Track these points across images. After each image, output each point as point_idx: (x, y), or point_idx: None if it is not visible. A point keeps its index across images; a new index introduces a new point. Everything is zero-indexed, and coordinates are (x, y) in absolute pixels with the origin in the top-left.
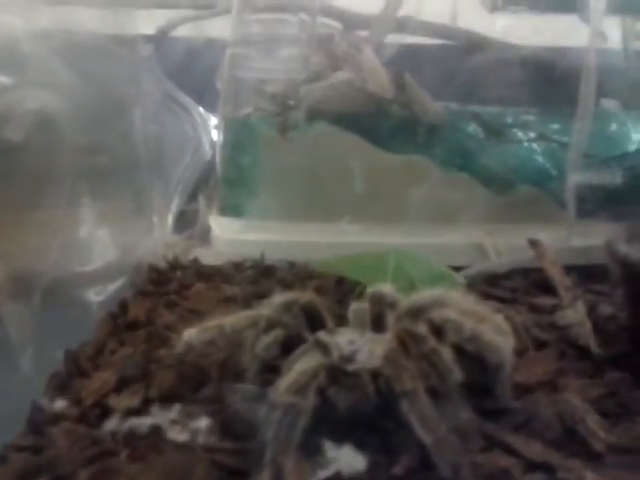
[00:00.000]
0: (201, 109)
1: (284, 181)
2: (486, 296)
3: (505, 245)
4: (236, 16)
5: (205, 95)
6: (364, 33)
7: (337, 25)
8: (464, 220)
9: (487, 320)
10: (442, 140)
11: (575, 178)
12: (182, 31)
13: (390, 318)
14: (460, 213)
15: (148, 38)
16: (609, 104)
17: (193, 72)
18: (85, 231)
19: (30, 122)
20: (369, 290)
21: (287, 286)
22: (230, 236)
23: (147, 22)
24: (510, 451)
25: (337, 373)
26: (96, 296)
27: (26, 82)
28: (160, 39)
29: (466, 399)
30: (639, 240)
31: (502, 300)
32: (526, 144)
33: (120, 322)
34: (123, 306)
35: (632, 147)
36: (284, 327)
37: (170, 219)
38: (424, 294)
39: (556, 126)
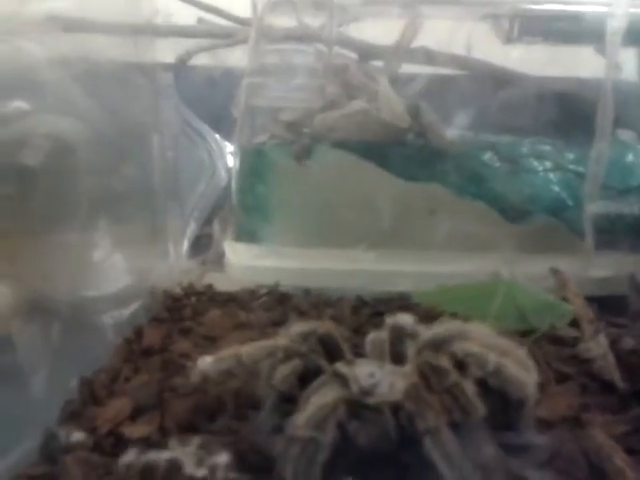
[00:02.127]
0: (217, 136)
1: (299, 208)
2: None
3: (522, 275)
4: (253, 46)
5: (222, 123)
6: (379, 63)
7: (352, 55)
8: (480, 249)
9: (510, 354)
10: (458, 168)
11: (593, 208)
12: (200, 60)
13: (410, 350)
14: (476, 242)
15: (167, 66)
16: (626, 135)
17: (210, 100)
18: (100, 256)
19: (47, 147)
20: (388, 320)
21: (302, 314)
22: (245, 262)
23: (166, 51)
24: None
25: (357, 407)
26: (111, 321)
27: (44, 108)
28: (179, 68)
29: (489, 434)
30: None
31: (522, 333)
32: (542, 174)
33: (135, 348)
34: (138, 332)
35: None
36: (302, 358)
37: (185, 244)
38: (445, 326)
39: (572, 156)
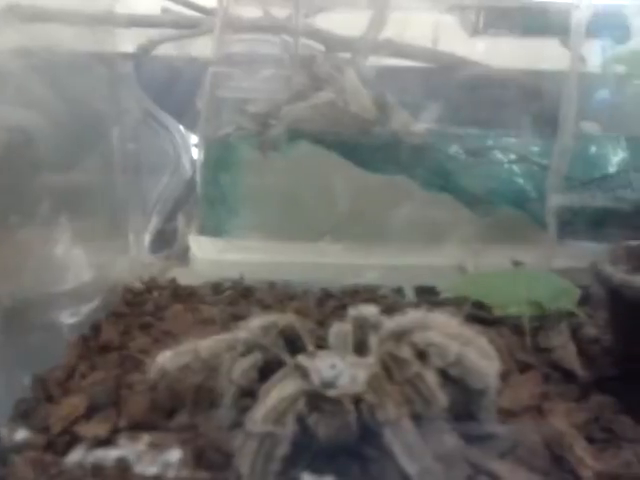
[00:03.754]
0: (181, 127)
1: (265, 201)
2: (469, 318)
3: (487, 266)
4: (218, 35)
5: (186, 114)
6: (346, 55)
7: (319, 47)
8: (446, 240)
9: (472, 343)
10: (424, 161)
11: (555, 200)
12: (164, 50)
13: (373, 340)
14: (442, 233)
15: (129, 56)
16: (589, 127)
17: (174, 91)
18: (59, 251)
19: (5, 139)
20: (351, 311)
21: (266, 307)
22: (210, 256)
23: (130, 41)
24: (496, 479)
25: (317, 399)
26: (68, 318)
27: (2, 99)
28: (141, 58)
29: (450, 424)
30: (623, 262)
31: (485, 322)
32: (507, 166)
33: (92, 345)
34: (96, 328)
35: (611, 169)
36: (262, 351)
37: (148, 238)
38: (408, 316)
39: (536, 148)
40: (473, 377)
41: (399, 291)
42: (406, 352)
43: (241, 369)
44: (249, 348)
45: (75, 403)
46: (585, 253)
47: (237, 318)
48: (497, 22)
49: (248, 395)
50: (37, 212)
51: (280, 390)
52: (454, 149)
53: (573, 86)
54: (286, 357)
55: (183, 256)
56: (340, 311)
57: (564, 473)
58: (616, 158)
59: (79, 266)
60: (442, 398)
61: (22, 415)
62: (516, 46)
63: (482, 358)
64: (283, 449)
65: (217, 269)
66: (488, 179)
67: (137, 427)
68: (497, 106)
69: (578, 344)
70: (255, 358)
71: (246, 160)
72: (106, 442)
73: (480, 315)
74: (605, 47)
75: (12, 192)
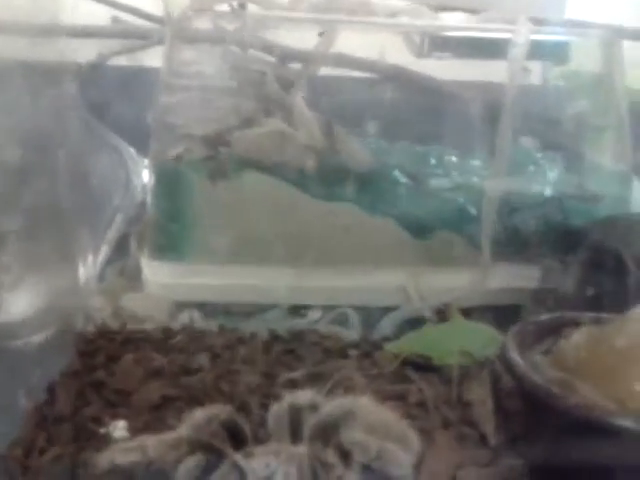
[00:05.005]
0: (132, 150)
1: (217, 226)
2: (406, 363)
3: (427, 287)
4: (166, 64)
5: (137, 128)
6: (297, 66)
7: (270, 58)
8: (389, 264)
9: (392, 432)
10: (369, 188)
11: (489, 224)
12: (112, 62)
13: (307, 426)
14: (385, 257)
15: (74, 71)
16: (528, 142)
17: (124, 105)
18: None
19: None
20: (287, 397)
21: (216, 356)
22: (163, 280)
23: (76, 53)
24: None
25: None
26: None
27: None
28: (88, 73)
29: None
30: (534, 342)
31: (420, 368)
32: (446, 192)
33: (47, 413)
34: (51, 392)
35: (546, 191)
36: (205, 449)
37: (99, 263)
38: (333, 406)
39: (478, 163)
40: (392, 467)
41: (344, 319)
42: (331, 455)
43: (185, 469)
44: (193, 448)
45: None
46: (518, 274)
47: (186, 372)
48: (441, 46)
49: None
50: None
51: None
52: (396, 176)
53: (510, 100)
54: (227, 450)
55: (135, 280)
56: (286, 357)
57: None
58: (552, 178)
59: (27, 295)
60: None
61: None
62: (461, 68)
63: (401, 447)
64: None
65: (170, 293)
66: (428, 203)
67: None
68: (439, 119)
69: (497, 396)
70: (198, 458)
71: (196, 186)
72: None
73: (416, 361)
74: (546, 66)
75: None
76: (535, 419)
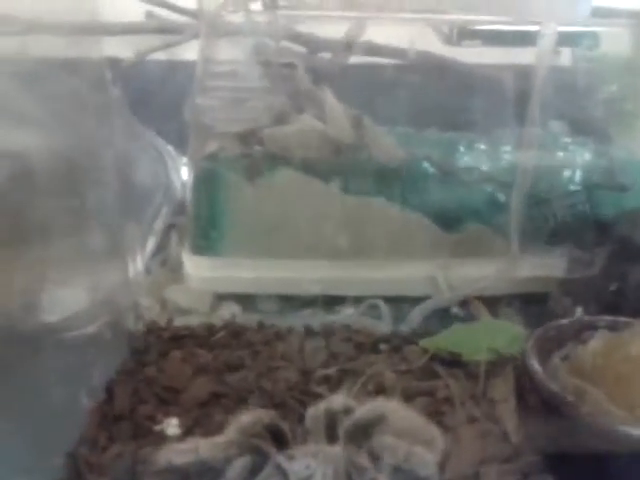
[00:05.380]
0: (170, 148)
1: (252, 222)
2: (433, 358)
3: (456, 278)
4: (201, 65)
5: (173, 129)
6: (327, 55)
7: (301, 49)
8: (418, 256)
9: (419, 436)
10: (399, 182)
11: (518, 216)
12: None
13: (341, 428)
14: (415, 250)
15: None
16: (557, 127)
17: (161, 100)
18: (58, 275)
19: (7, 168)
20: (321, 405)
21: (256, 353)
22: (202, 274)
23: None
24: None
25: None
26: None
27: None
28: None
29: None
30: (555, 347)
31: (446, 363)
32: (474, 185)
33: (107, 412)
34: (109, 392)
35: (574, 180)
36: (251, 451)
37: (144, 259)
38: (367, 409)
39: (507, 148)
40: (419, 468)
41: (375, 311)
42: (364, 458)
43: (234, 469)
44: (240, 449)
45: None
46: (545, 264)
47: (230, 368)
48: (470, 35)
49: None
50: (31, 239)
51: None
52: (425, 168)
53: (540, 80)
54: (272, 451)
55: (177, 274)
56: (321, 353)
57: None
58: (581, 163)
59: (80, 290)
60: None
61: None
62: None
63: (427, 449)
64: None
65: (209, 285)
66: (457, 196)
67: None
68: (469, 105)
69: (519, 394)
70: (245, 460)
71: (232, 184)
72: None
73: (444, 356)
74: (576, 50)
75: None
76: (551, 421)
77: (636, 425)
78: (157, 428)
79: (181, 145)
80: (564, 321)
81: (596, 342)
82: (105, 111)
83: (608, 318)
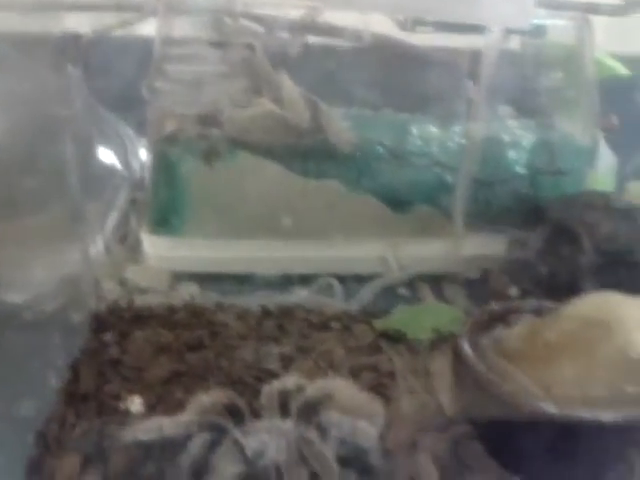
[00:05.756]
0: (129, 130)
1: (209, 203)
2: (380, 336)
3: (405, 257)
4: (159, 46)
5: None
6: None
7: (259, 28)
8: (370, 236)
9: (363, 411)
10: (351, 165)
11: (464, 198)
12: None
13: (294, 405)
14: (366, 230)
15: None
16: (505, 111)
17: (120, 77)
18: (21, 255)
19: None
20: (275, 384)
21: (215, 333)
22: (160, 253)
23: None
24: None
25: (250, 477)
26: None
27: None
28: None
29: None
30: (487, 329)
31: (392, 339)
32: (423, 169)
33: (74, 391)
34: (75, 372)
35: (518, 163)
36: (211, 428)
37: (104, 238)
38: (316, 387)
39: (457, 129)
40: (363, 440)
41: (329, 287)
42: (313, 434)
43: (195, 445)
44: (201, 427)
45: (72, 461)
46: (488, 244)
47: (190, 348)
48: (424, 22)
49: (201, 464)
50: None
51: (224, 470)
52: (378, 152)
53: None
54: (229, 428)
55: (136, 253)
56: (276, 331)
57: None
58: (525, 146)
59: (41, 267)
60: (334, 467)
61: (33, 470)
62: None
63: (369, 423)
64: None
65: (168, 264)
66: (406, 179)
67: (120, 478)
68: (421, 87)
69: (455, 370)
70: (205, 436)
71: (190, 166)
72: None
73: (389, 334)
74: (524, 39)
75: None
76: (479, 396)
77: (550, 402)
78: (122, 406)
79: (140, 125)
80: (496, 306)
81: (520, 327)
82: (65, 89)
83: (534, 302)
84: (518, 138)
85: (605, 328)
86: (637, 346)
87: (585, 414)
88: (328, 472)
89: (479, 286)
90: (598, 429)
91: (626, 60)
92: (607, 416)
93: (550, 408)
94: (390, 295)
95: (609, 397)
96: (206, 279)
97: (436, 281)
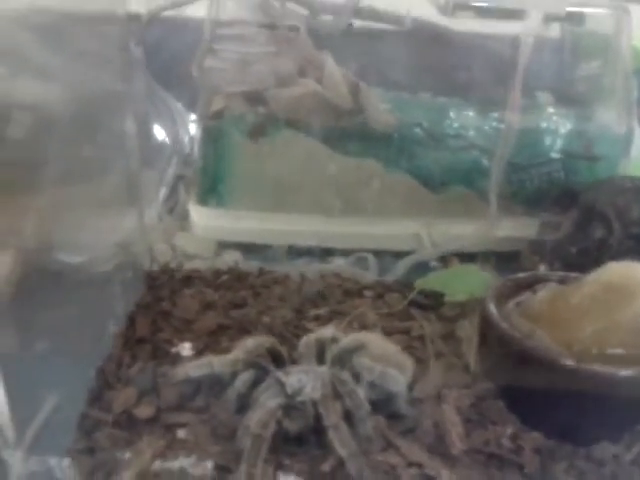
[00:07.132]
0: (179, 105)
1: (255, 177)
2: (411, 304)
3: (439, 235)
4: (208, 26)
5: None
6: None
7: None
8: (405, 215)
9: (393, 360)
10: (389, 146)
11: (498, 180)
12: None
13: (329, 353)
14: (402, 209)
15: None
16: (543, 98)
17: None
18: (81, 220)
19: (29, 121)
20: (312, 335)
21: (257, 294)
22: (207, 223)
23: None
24: (398, 452)
25: (289, 408)
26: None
27: (17, 72)
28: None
29: (378, 410)
30: (512, 296)
31: (421, 307)
32: (460, 151)
33: (130, 336)
34: (131, 320)
35: (554, 149)
36: (255, 367)
37: (156, 207)
38: (350, 338)
39: (495, 116)
40: (391, 384)
41: (364, 261)
42: (346, 375)
43: (241, 381)
44: (246, 365)
45: (128, 393)
46: (520, 225)
47: (234, 306)
48: (465, 7)
49: (245, 398)
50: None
51: (265, 398)
52: (416, 134)
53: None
54: (271, 368)
55: (184, 222)
56: (314, 296)
57: (443, 449)
58: (562, 134)
59: (100, 232)
60: (366, 405)
61: (94, 400)
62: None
63: (399, 371)
64: (268, 443)
65: (213, 234)
66: (444, 161)
67: (172, 409)
68: (461, 71)
69: (481, 332)
70: (250, 373)
71: (236, 141)
72: (153, 419)
73: (419, 301)
74: (564, 26)
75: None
76: (503, 355)
77: (570, 358)
78: (173, 350)
79: (189, 102)
80: (522, 274)
81: (544, 292)
82: (126, 67)
83: (560, 273)
84: (555, 125)
85: (626, 293)
86: None
87: (603, 369)
88: (360, 409)
89: (510, 265)
90: (615, 385)
91: None
92: (624, 372)
93: (570, 362)
94: (422, 271)
95: (627, 356)
96: (249, 248)
97: (468, 260)
